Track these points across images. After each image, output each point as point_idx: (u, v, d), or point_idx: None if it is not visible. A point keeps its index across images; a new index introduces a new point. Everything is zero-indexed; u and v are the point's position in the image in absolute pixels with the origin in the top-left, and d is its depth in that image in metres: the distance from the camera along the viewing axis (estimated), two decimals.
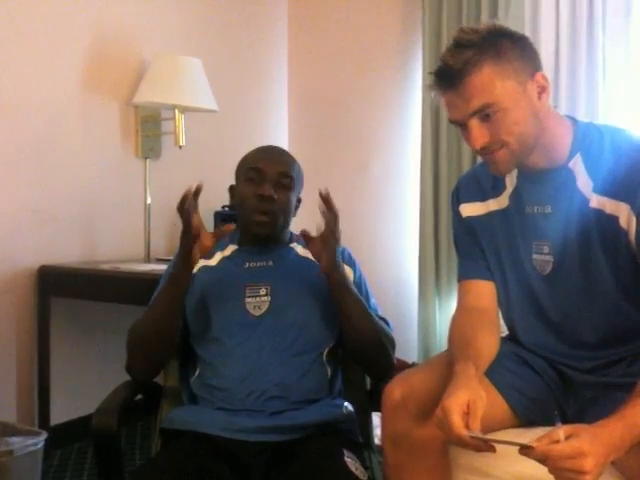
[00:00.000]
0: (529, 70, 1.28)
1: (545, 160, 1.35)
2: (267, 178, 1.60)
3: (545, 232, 1.38)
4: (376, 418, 1.71)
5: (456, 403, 1.17)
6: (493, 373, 1.38)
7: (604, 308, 1.34)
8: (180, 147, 2.92)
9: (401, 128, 3.48)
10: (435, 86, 1.30)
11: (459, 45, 1.26)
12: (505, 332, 1.53)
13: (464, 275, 1.52)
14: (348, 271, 1.63)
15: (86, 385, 2.76)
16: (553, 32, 2.94)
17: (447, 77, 1.27)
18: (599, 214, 1.29)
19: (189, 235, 1.46)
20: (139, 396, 1.65)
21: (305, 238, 1.56)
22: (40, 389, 2.64)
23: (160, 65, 2.85)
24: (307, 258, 1.63)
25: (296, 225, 1.68)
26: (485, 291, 1.49)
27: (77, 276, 2.61)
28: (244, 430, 1.46)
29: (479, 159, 1.41)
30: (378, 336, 1.59)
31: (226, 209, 3.05)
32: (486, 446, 1.14)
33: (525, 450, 1.07)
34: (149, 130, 3.04)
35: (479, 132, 1.27)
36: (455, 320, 1.48)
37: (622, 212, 1.26)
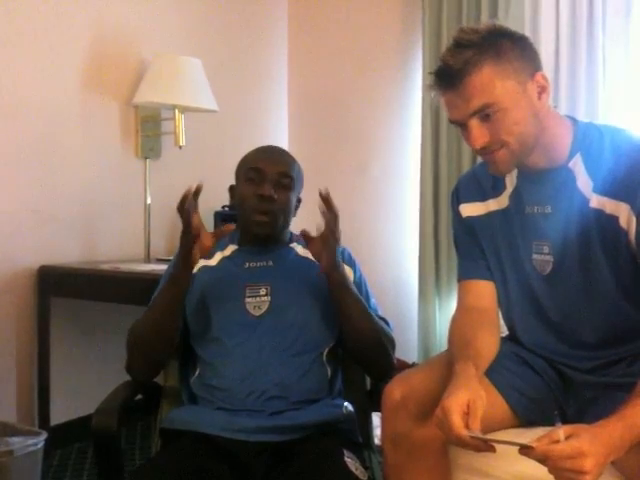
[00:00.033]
0: (529, 70, 1.28)
1: (545, 160, 1.35)
2: (267, 178, 1.60)
3: (545, 232, 1.38)
4: (376, 418, 1.71)
5: (456, 403, 1.17)
6: (493, 373, 1.38)
7: (604, 308, 1.34)
8: (180, 147, 2.92)
9: (401, 128, 3.48)
10: (435, 86, 1.30)
11: (459, 45, 1.26)
12: (505, 332, 1.53)
13: (464, 275, 1.52)
14: (348, 271, 1.63)
15: (86, 385, 2.76)
16: (553, 32, 2.94)
17: (447, 77, 1.27)
18: (599, 214, 1.29)
19: (189, 235, 1.46)
20: (139, 396, 1.65)
21: (305, 238, 1.56)
22: (40, 389, 2.64)
23: (160, 65, 2.85)
24: (307, 258, 1.63)
25: (296, 225, 1.68)
26: (485, 291, 1.49)
27: (77, 276, 2.61)
28: (244, 430, 1.46)
29: (479, 159, 1.41)
30: (378, 336, 1.59)
31: (226, 209, 3.05)
32: (486, 446, 1.14)
33: (525, 450, 1.07)
34: (149, 130, 3.04)
35: (479, 132, 1.27)
36: (455, 320, 1.49)
37: (622, 212, 1.26)
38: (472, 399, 1.18)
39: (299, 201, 1.71)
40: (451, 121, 1.33)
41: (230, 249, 1.69)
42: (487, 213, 1.47)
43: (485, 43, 1.25)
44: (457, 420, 1.15)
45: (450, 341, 1.44)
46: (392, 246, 3.52)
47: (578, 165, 1.33)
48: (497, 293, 1.49)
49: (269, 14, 3.73)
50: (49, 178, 2.70)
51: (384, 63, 3.52)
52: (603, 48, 2.83)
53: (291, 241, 1.72)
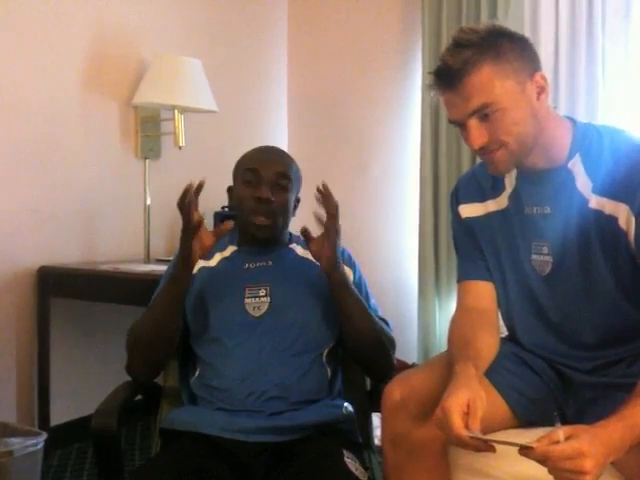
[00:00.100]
0: (528, 70, 1.28)
1: (544, 161, 1.35)
2: (264, 180, 1.59)
3: (544, 233, 1.38)
4: (376, 419, 1.71)
5: (456, 403, 1.17)
6: (493, 373, 1.38)
7: (604, 308, 1.34)
8: (180, 147, 2.92)
9: (401, 128, 3.48)
10: (434, 86, 1.30)
11: (458, 45, 1.26)
12: (505, 333, 1.53)
13: (463, 276, 1.53)
14: (348, 272, 1.63)
15: (86, 385, 2.76)
16: (552, 32, 2.94)
17: (446, 77, 1.27)
18: (598, 215, 1.29)
19: (189, 232, 1.46)
20: (139, 396, 1.65)
21: (305, 236, 1.55)
22: (40, 389, 2.64)
23: (160, 65, 2.85)
24: (306, 258, 1.63)
25: (296, 225, 1.68)
26: (484, 292, 1.49)
27: (77, 276, 2.61)
28: (244, 430, 1.46)
29: (479, 159, 1.41)
30: (378, 336, 1.59)
31: (226, 209, 3.05)
32: (486, 446, 1.14)
33: (525, 451, 1.07)
34: (149, 130, 3.04)
35: (478, 132, 1.27)
36: (455, 321, 1.49)
37: (621, 213, 1.26)
38: (472, 399, 1.18)
39: (298, 201, 1.71)
40: (450, 121, 1.33)
41: (229, 250, 1.68)
42: (486, 214, 1.47)
43: (484, 43, 1.25)
44: (457, 420, 1.15)
45: (450, 341, 1.44)
46: (392, 246, 3.52)
47: (577, 166, 1.33)
48: (497, 294, 1.49)
49: (269, 14, 3.73)
50: (49, 178, 2.70)
51: (384, 63, 3.52)
52: (603, 48, 2.83)
53: (290, 242, 1.72)
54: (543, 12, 2.95)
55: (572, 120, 1.39)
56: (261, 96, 3.69)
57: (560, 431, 1.06)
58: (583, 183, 1.31)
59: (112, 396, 1.55)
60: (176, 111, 2.87)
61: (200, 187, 1.43)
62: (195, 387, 1.59)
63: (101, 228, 2.89)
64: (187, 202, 1.42)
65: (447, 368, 1.33)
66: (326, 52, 3.70)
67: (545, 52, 2.87)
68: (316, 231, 1.56)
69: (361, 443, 1.59)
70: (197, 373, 1.60)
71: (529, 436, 1.17)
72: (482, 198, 1.48)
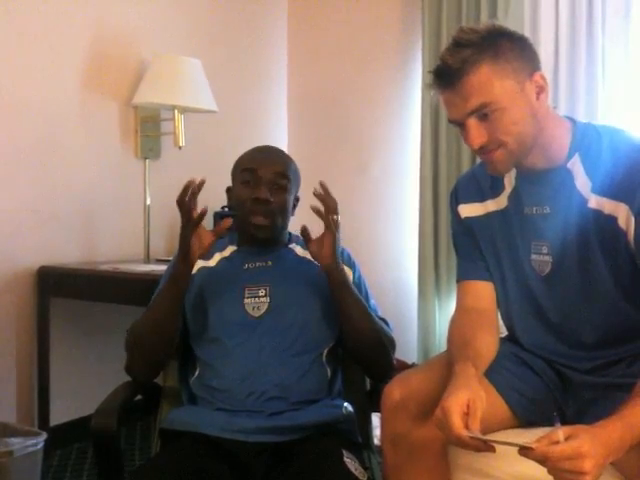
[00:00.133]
0: (528, 70, 1.28)
1: (544, 160, 1.35)
2: (262, 180, 1.59)
3: (544, 232, 1.38)
4: (376, 418, 1.71)
5: (456, 403, 1.17)
6: (492, 374, 1.38)
7: (603, 308, 1.34)
8: (180, 148, 2.92)
9: (401, 128, 3.48)
10: (434, 85, 1.30)
11: (458, 44, 1.26)
12: (504, 333, 1.53)
13: (463, 276, 1.52)
14: (347, 272, 1.62)
15: (86, 386, 2.76)
16: (552, 32, 2.94)
17: (446, 76, 1.27)
18: (598, 214, 1.29)
19: (189, 229, 1.46)
20: (139, 396, 1.65)
21: (304, 236, 1.55)
22: (40, 389, 2.64)
23: (160, 65, 2.85)
24: (306, 258, 1.63)
25: (295, 225, 1.67)
26: (484, 292, 1.49)
27: (77, 276, 2.61)
28: (243, 431, 1.46)
29: (478, 159, 1.41)
30: (378, 336, 1.59)
31: (225, 209, 3.05)
32: (486, 446, 1.14)
33: (525, 451, 1.07)
34: (149, 130, 3.04)
35: (477, 132, 1.27)
36: (454, 321, 1.49)
37: (621, 212, 1.26)
38: (472, 399, 1.18)
39: (297, 200, 1.71)
40: (450, 120, 1.33)
41: (229, 250, 1.68)
42: (486, 214, 1.47)
43: (484, 43, 1.25)
44: (457, 420, 1.15)
45: (449, 341, 1.44)
46: (392, 246, 3.52)
47: (577, 165, 1.33)
48: (496, 294, 1.49)
49: (269, 14, 3.73)
50: (49, 178, 2.70)
51: (384, 63, 3.52)
52: (602, 48, 2.83)
53: (290, 242, 1.72)
54: (543, 12, 2.95)
55: (571, 120, 1.39)
56: (261, 96, 3.69)
57: (560, 431, 1.06)
58: (582, 183, 1.31)
59: (112, 396, 1.55)
60: (176, 111, 2.87)
61: (200, 185, 1.43)
62: (195, 387, 1.59)
63: (101, 228, 2.89)
64: (187, 200, 1.42)
65: (447, 368, 1.33)
66: (326, 52, 3.70)
67: (545, 52, 2.87)
68: (315, 231, 1.56)
69: (361, 443, 1.59)
70: (197, 373, 1.60)
71: (529, 436, 1.17)
72: (482, 198, 1.48)
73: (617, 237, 1.28)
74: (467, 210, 1.50)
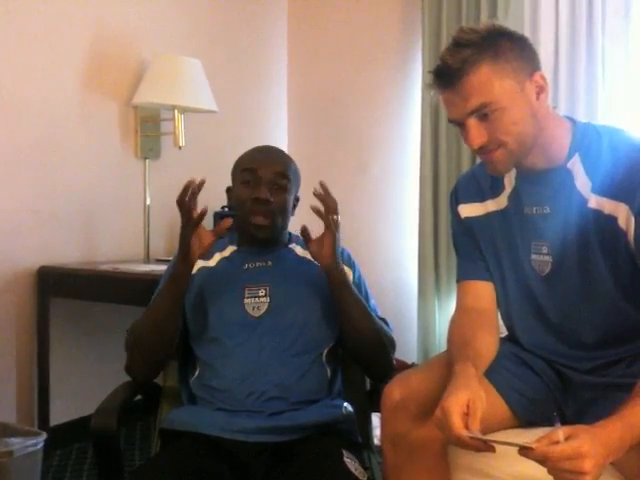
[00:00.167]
0: (528, 70, 1.28)
1: (543, 160, 1.35)
2: (262, 180, 1.59)
3: (544, 232, 1.38)
4: (376, 418, 1.71)
5: (456, 403, 1.17)
6: (492, 374, 1.38)
7: (603, 308, 1.34)
8: (180, 148, 2.92)
9: (401, 128, 3.48)
10: (434, 85, 1.30)
11: (458, 44, 1.26)
12: (504, 333, 1.53)
13: (463, 276, 1.52)
14: (347, 272, 1.62)
15: (86, 386, 2.76)
16: (552, 32, 2.94)
17: (446, 76, 1.27)
18: (598, 214, 1.29)
19: (189, 228, 1.46)
20: (139, 397, 1.65)
21: (304, 237, 1.55)
22: (40, 389, 2.64)
23: (160, 65, 2.85)
24: (306, 258, 1.63)
25: (295, 225, 1.67)
26: (484, 292, 1.49)
27: (77, 276, 2.61)
28: (243, 431, 1.46)
29: (478, 159, 1.41)
30: (378, 336, 1.59)
31: (226, 209, 3.05)
32: (486, 446, 1.14)
33: (525, 451, 1.07)
34: (149, 130, 3.04)
35: (477, 132, 1.27)
36: (454, 321, 1.49)
37: (621, 212, 1.26)
38: (472, 399, 1.18)
39: (297, 200, 1.71)
40: (450, 120, 1.33)
41: (229, 250, 1.68)
42: (486, 214, 1.47)
43: (484, 43, 1.25)
44: (457, 420, 1.15)
45: (449, 341, 1.44)
46: (392, 246, 3.52)
47: (577, 165, 1.33)
48: (496, 294, 1.49)
49: (269, 14, 3.73)
50: (49, 178, 2.70)
51: (384, 63, 3.52)
52: (602, 48, 2.83)
53: (290, 241, 1.72)
54: (543, 12, 2.95)
55: (571, 120, 1.39)
56: (261, 96, 3.69)
57: (560, 431, 1.06)
58: (582, 183, 1.31)
59: (112, 396, 1.55)
60: (176, 111, 2.87)
61: (200, 185, 1.43)
62: (195, 387, 1.59)
63: (101, 228, 2.89)
64: (187, 199, 1.42)
65: (447, 368, 1.33)
66: (326, 52, 3.70)
67: (545, 52, 2.87)
68: (315, 231, 1.56)
69: (361, 443, 1.59)
70: (197, 373, 1.60)
71: (529, 436, 1.17)
72: (482, 198, 1.48)
73: (617, 237, 1.27)
74: (467, 210, 1.50)
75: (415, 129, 3.33)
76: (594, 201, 1.29)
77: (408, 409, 1.35)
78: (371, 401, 1.67)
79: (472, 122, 1.27)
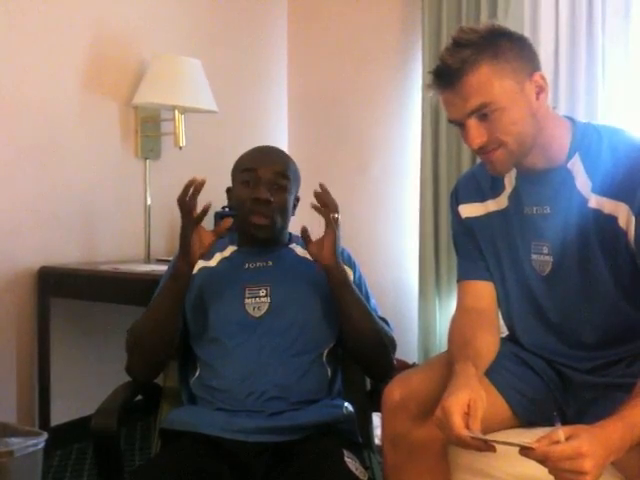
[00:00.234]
0: (527, 70, 1.28)
1: (543, 160, 1.35)
2: (262, 180, 1.59)
3: (544, 232, 1.38)
4: (376, 418, 1.71)
5: (456, 403, 1.17)
6: (493, 373, 1.38)
7: (603, 308, 1.34)
8: (180, 148, 2.92)
9: (401, 128, 3.48)
10: (433, 85, 1.30)
11: (458, 44, 1.26)
12: (505, 332, 1.53)
13: (463, 276, 1.52)
14: (348, 272, 1.62)
15: (86, 386, 2.77)
16: (552, 32, 2.94)
17: (445, 76, 1.27)
18: (598, 214, 1.29)
19: (189, 227, 1.46)
20: (139, 397, 1.65)
21: (304, 238, 1.55)
22: (40, 390, 2.64)
23: (160, 66, 2.85)
24: (306, 258, 1.63)
25: (295, 225, 1.67)
26: (484, 292, 1.49)
27: (77, 277, 2.61)
28: (243, 431, 1.46)
29: (479, 159, 1.41)
30: (379, 336, 1.59)
31: (226, 209, 3.05)
32: (486, 446, 1.14)
33: (525, 451, 1.07)
34: (149, 131, 3.04)
35: (477, 132, 1.27)
36: (454, 321, 1.49)
37: (621, 212, 1.26)
38: (472, 399, 1.18)
39: (297, 200, 1.71)
40: (450, 120, 1.33)
41: (229, 250, 1.68)
42: (486, 214, 1.47)
43: (484, 43, 1.25)
44: (457, 420, 1.15)
45: (450, 341, 1.44)
46: (392, 246, 3.52)
47: (577, 165, 1.33)
48: (497, 293, 1.49)
49: (269, 14, 3.73)
50: (49, 178, 2.70)
51: (384, 63, 3.52)
52: (603, 48, 2.83)
53: (290, 242, 1.72)
54: (543, 12, 2.95)
55: (571, 120, 1.39)
56: (261, 96, 3.69)
57: (560, 431, 1.06)
58: (582, 183, 1.31)
59: (112, 396, 1.55)
60: (176, 111, 2.87)
61: (201, 185, 1.43)
62: (195, 387, 1.59)
63: (101, 228, 2.89)
64: (188, 199, 1.43)
65: (447, 368, 1.33)
66: (326, 52, 3.70)
67: (545, 52, 2.87)
68: (315, 231, 1.56)
69: (361, 443, 1.59)
70: (197, 373, 1.60)
71: (529, 436, 1.17)
72: (482, 198, 1.48)
73: (617, 237, 1.28)
74: (467, 210, 1.50)
75: (415, 129, 3.33)
76: (594, 201, 1.29)
77: (408, 409, 1.35)
78: (371, 401, 1.67)
79: (472, 122, 1.27)
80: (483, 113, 1.26)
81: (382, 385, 1.46)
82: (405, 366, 2.44)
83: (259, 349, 1.55)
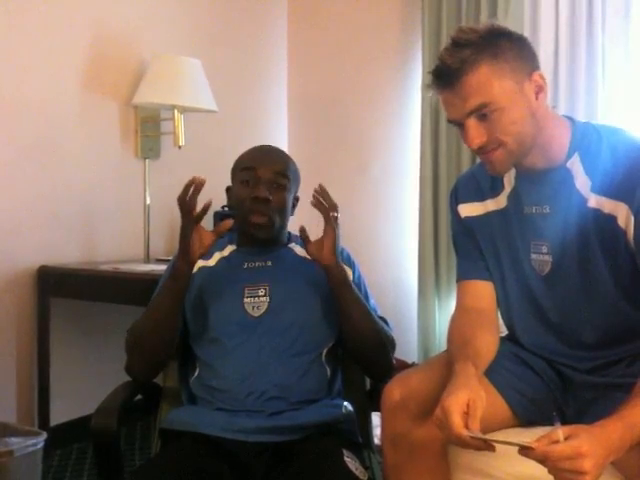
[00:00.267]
0: (527, 70, 1.28)
1: (543, 160, 1.34)
2: (262, 179, 1.59)
3: (543, 232, 1.38)
4: (376, 418, 1.71)
5: (456, 403, 1.17)
6: (493, 373, 1.38)
7: (603, 308, 1.34)
8: (179, 147, 2.92)
9: (401, 128, 3.48)
10: (433, 85, 1.30)
11: (457, 44, 1.26)
12: (504, 332, 1.53)
13: (463, 276, 1.52)
14: (347, 271, 1.62)
15: (86, 385, 2.77)
16: (552, 32, 2.94)
17: (444, 76, 1.27)
18: (597, 214, 1.29)
19: (189, 227, 1.46)
20: (139, 396, 1.65)
21: (302, 238, 1.55)
22: (40, 389, 2.64)
23: (160, 65, 2.85)
24: (306, 258, 1.63)
25: (295, 225, 1.67)
26: (484, 291, 1.49)
27: (77, 276, 2.61)
28: (243, 430, 1.46)
29: (478, 159, 1.41)
30: (378, 336, 1.59)
31: (226, 209, 3.05)
32: (486, 446, 1.14)
33: (524, 451, 1.07)
34: (149, 130, 3.04)
35: (476, 132, 1.27)
36: (454, 320, 1.49)
37: (620, 212, 1.26)
38: (472, 399, 1.18)
39: (296, 200, 1.71)
40: (449, 120, 1.33)
41: (228, 249, 1.68)
42: (486, 213, 1.47)
43: (483, 42, 1.25)
44: (457, 420, 1.15)
45: (449, 341, 1.44)
46: (392, 246, 3.52)
47: (576, 165, 1.33)
48: (496, 293, 1.49)
49: (269, 14, 3.73)
50: (49, 178, 2.70)
51: (384, 63, 3.52)
52: (603, 48, 2.83)
53: (289, 241, 1.72)
54: (543, 12, 2.95)
55: (571, 119, 1.39)
56: (261, 96, 3.69)
57: (559, 431, 1.06)
58: (582, 182, 1.31)
59: (112, 396, 1.55)
60: (176, 111, 2.87)
61: (201, 184, 1.43)
62: (195, 387, 1.59)
63: (101, 228, 2.89)
64: (188, 198, 1.43)
65: (447, 368, 1.33)
66: (326, 52, 3.70)
67: (545, 52, 2.87)
68: (315, 232, 1.56)
69: (361, 443, 1.59)
70: (196, 373, 1.60)
71: (529, 436, 1.17)
72: (481, 198, 1.48)
73: (617, 236, 1.28)
74: (467, 210, 1.50)
75: (415, 129, 3.33)
76: (594, 200, 1.29)
77: (408, 409, 1.35)
78: (371, 401, 1.67)
79: (471, 122, 1.27)
80: (482, 113, 1.26)
81: (382, 385, 1.46)
82: (405, 366, 2.44)
83: (259, 349, 1.55)
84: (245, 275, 1.62)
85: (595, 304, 1.35)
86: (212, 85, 2.96)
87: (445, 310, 3.19)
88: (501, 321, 1.53)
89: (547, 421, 1.40)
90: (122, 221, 2.97)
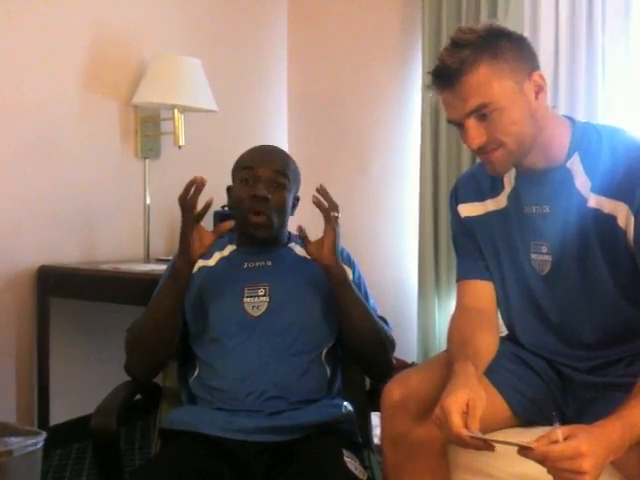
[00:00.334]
0: (526, 70, 1.28)
1: (543, 160, 1.35)
2: (261, 178, 1.59)
3: (543, 232, 1.38)
4: (375, 418, 1.71)
5: (455, 402, 1.17)
6: (492, 373, 1.38)
7: (603, 308, 1.34)
8: (180, 147, 2.92)
9: (401, 128, 3.48)
10: (433, 85, 1.30)
11: (456, 45, 1.26)
12: (504, 332, 1.53)
13: (463, 275, 1.52)
14: (347, 271, 1.62)
15: (85, 385, 2.77)
16: (552, 32, 2.94)
17: (444, 76, 1.27)
18: (597, 214, 1.29)
19: (189, 226, 1.46)
20: (138, 396, 1.65)
21: (301, 238, 1.55)
22: (40, 389, 2.64)
23: (160, 65, 2.85)
24: (305, 258, 1.63)
25: (296, 225, 1.67)
26: (484, 291, 1.49)
27: (77, 276, 2.61)
28: (243, 430, 1.46)
29: (478, 159, 1.41)
30: (378, 336, 1.59)
31: (225, 209, 3.05)
32: (485, 445, 1.14)
33: (524, 451, 1.07)
34: (149, 130, 3.04)
35: (476, 132, 1.27)
36: (454, 320, 1.49)
37: (620, 212, 1.26)
38: (471, 399, 1.18)
39: (297, 200, 1.71)
40: (449, 121, 1.33)
41: (228, 249, 1.68)
42: (486, 213, 1.47)
43: (482, 43, 1.25)
44: (456, 420, 1.15)
45: (449, 341, 1.44)
46: (392, 246, 3.52)
47: (576, 165, 1.33)
48: (496, 293, 1.49)
49: (268, 14, 3.73)
50: (49, 178, 2.70)
51: (384, 63, 3.52)
52: (603, 48, 2.83)
53: (289, 241, 1.72)
54: (543, 12, 2.95)
55: (571, 119, 1.39)
56: (261, 96, 3.69)
57: (559, 431, 1.06)
58: (582, 182, 1.31)
59: (111, 396, 1.55)
60: (176, 111, 2.87)
61: (202, 184, 1.43)
62: (194, 387, 1.59)
63: (101, 228, 2.89)
64: (189, 198, 1.43)
65: (446, 367, 1.33)
66: (326, 52, 3.70)
67: (545, 52, 2.87)
68: (315, 232, 1.56)
69: (361, 443, 1.59)
70: (196, 373, 1.60)
71: (529, 436, 1.17)
72: (481, 198, 1.48)
73: (617, 236, 1.28)
74: (467, 210, 1.50)
75: (415, 129, 3.33)
76: (594, 200, 1.29)
77: (408, 408, 1.35)
78: (371, 400, 1.67)
79: (471, 122, 1.27)
80: (482, 113, 1.26)
81: (381, 385, 1.46)
82: (404, 365, 2.44)
83: (258, 349, 1.55)
84: (245, 275, 1.62)
85: (595, 304, 1.35)
86: (212, 85, 2.96)
87: (445, 310, 3.19)
88: (501, 321, 1.53)
89: (547, 421, 1.40)
90: (122, 221, 2.97)
